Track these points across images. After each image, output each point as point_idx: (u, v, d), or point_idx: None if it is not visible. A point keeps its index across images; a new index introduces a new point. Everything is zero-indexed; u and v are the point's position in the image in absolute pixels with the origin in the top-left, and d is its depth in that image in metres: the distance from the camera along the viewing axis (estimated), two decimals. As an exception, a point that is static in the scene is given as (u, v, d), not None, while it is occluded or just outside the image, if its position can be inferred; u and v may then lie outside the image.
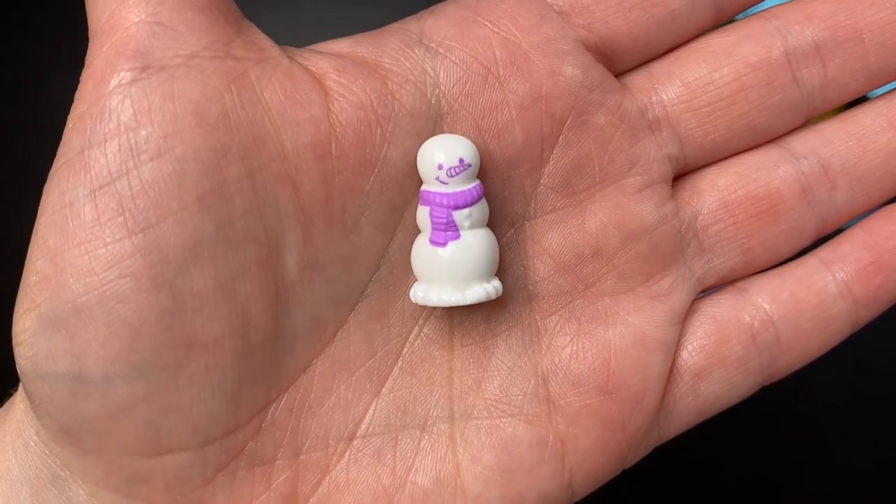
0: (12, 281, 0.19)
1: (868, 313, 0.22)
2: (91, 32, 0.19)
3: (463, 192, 0.20)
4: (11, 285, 0.19)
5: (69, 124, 0.19)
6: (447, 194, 0.20)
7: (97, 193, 0.18)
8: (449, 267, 0.20)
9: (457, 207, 0.20)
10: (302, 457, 0.21)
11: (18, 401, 0.20)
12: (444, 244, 0.20)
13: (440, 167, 0.20)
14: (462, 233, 0.20)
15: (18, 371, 0.19)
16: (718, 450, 0.40)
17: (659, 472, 0.38)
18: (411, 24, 0.21)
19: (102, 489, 0.19)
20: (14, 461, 0.20)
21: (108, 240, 0.18)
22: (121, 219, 0.18)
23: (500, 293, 0.21)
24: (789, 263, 0.23)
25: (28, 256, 0.19)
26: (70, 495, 0.20)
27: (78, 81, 0.19)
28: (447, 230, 0.20)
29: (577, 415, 0.21)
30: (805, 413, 0.41)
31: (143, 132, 0.18)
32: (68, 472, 0.20)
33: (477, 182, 0.20)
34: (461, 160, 0.20)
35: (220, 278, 0.19)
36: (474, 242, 0.20)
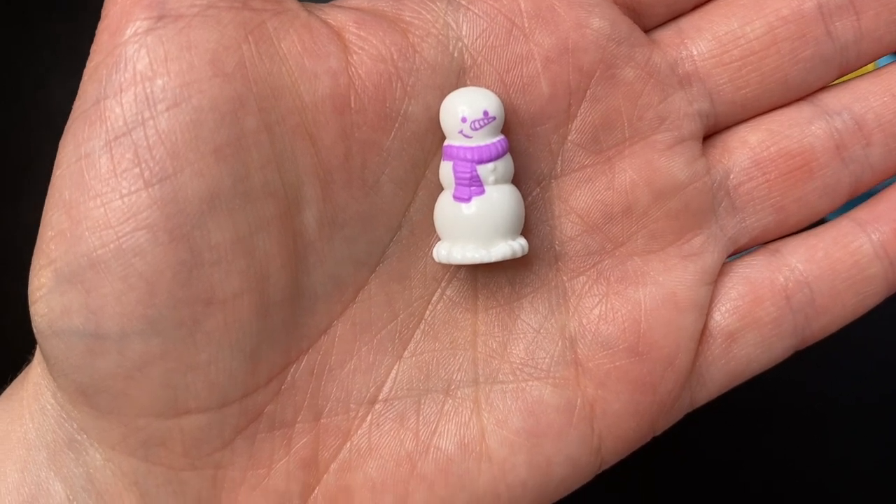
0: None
1: None
2: None
3: (488, 145, 0.19)
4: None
5: (85, 77, 0.18)
6: (471, 148, 0.19)
7: (113, 144, 0.17)
8: (473, 223, 0.19)
9: (481, 161, 0.19)
10: (322, 420, 0.20)
11: (35, 364, 0.20)
12: (468, 200, 0.19)
13: (464, 120, 0.19)
14: (487, 188, 0.19)
15: (35, 331, 0.19)
16: (734, 451, 0.39)
17: (675, 475, 0.38)
18: None
19: (119, 453, 0.19)
20: (31, 425, 0.20)
21: (124, 191, 0.17)
22: (137, 170, 0.17)
23: (526, 251, 0.20)
24: (824, 224, 0.22)
25: (44, 211, 0.18)
26: (87, 459, 0.19)
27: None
28: (471, 185, 0.19)
29: (607, 377, 0.21)
30: (828, 413, 0.40)
31: (159, 81, 0.18)
32: (85, 436, 0.19)
33: (502, 136, 0.20)
34: (485, 113, 0.19)
35: (238, 232, 0.18)
36: (499, 198, 0.20)
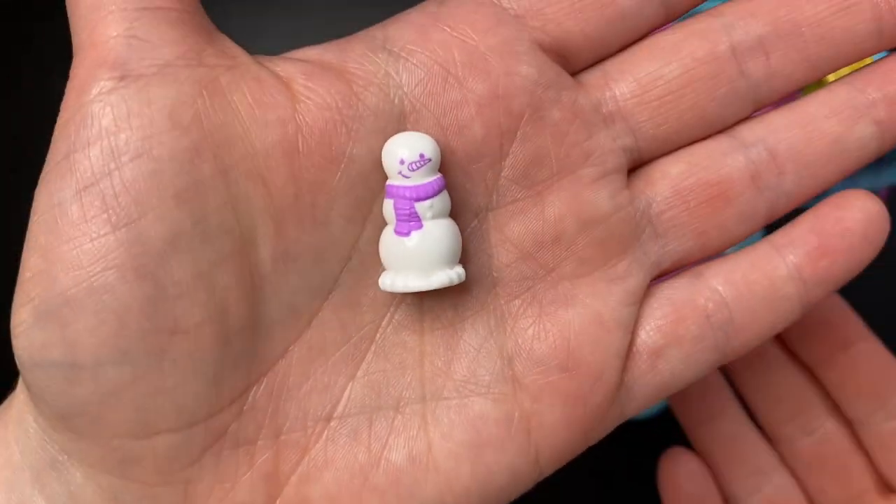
0: (13, 281, 0.20)
1: (817, 294, 0.23)
2: (75, 49, 0.20)
3: (424, 184, 0.21)
4: (12, 286, 0.20)
5: (55, 133, 0.20)
6: (409, 187, 0.21)
7: (83, 193, 0.19)
8: (413, 255, 0.21)
9: (419, 199, 0.21)
10: (282, 437, 0.22)
11: (19, 391, 0.22)
12: (407, 234, 0.21)
13: (402, 162, 0.21)
14: (425, 223, 0.21)
15: (17, 362, 0.20)
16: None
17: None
18: (376, 31, 0.23)
19: (98, 471, 0.21)
20: (16, 448, 0.21)
21: (93, 235, 0.19)
22: (105, 215, 0.19)
23: (463, 279, 0.22)
24: (743, 249, 0.24)
25: (23, 254, 0.20)
26: (68, 478, 0.21)
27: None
28: (410, 220, 0.21)
29: (541, 392, 0.22)
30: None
31: (122, 136, 0.19)
32: (66, 457, 0.21)
33: (438, 175, 0.21)
34: (421, 155, 0.21)
35: (198, 268, 0.20)
36: (437, 231, 0.21)
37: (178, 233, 0.20)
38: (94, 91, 0.19)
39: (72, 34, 0.20)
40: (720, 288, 0.23)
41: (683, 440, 0.32)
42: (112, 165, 0.19)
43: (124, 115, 0.19)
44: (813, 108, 0.24)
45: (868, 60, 0.25)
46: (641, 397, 0.23)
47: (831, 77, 0.25)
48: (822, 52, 0.23)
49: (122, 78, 0.20)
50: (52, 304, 0.19)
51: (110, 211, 0.19)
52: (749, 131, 0.24)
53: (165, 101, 0.20)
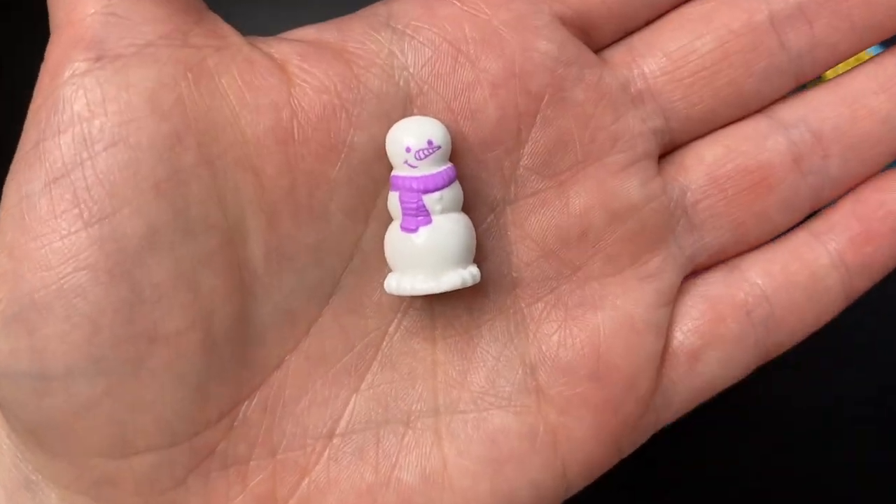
0: None
1: (862, 283, 0.22)
2: (51, 29, 0.19)
3: (433, 175, 0.19)
4: None
5: (27, 120, 0.19)
6: (416, 178, 0.19)
7: (52, 186, 0.18)
8: (421, 253, 0.19)
9: (427, 191, 0.19)
10: (279, 457, 0.20)
11: None
12: (415, 230, 0.19)
13: (408, 150, 0.19)
14: (434, 217, 0.19)
15: None
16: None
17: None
18: (379, 8, 0.21)
19: (73, 493, 0.19)
20: None
21: (63, 232, 0.18)
22: (76, 210, 0.18)
23: (478, 280, 0.20)
24: (780, 238, 0.22)
25: None
26: (42, 499, 0.19)
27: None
28: (418, 215, 0.19)
29: (568, 403, 0.21)
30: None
31: (96, 122, 0.18)
32: (40, 477, 0.19)
33: (448, 164, 0.20)
34: (430, 142, 0.19)
35: (179, 268, 0.18)
36: (447, 227, 0.19)
37: (158, 228, 0.18)
38: (67, 73, 0.18)
39: (49, 13, 0.19)
40: (759, 281, 0.22)
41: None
42: (84, 155, 0.18)
43: (99, 99, 0.18)
44: (858, 83, 0.22)
45: (864, 56, 0.23)
46: (679, 403, 0.22)
47: (830, 73, 0.23)
48: (866, 18, 0.21)
49: (97, 59, 0.18)
50: (18, 308, 0.18)
51: (82, 205, 0.18)
52: (789, 110, 0.22)
53: (145, 84, 0.18)
